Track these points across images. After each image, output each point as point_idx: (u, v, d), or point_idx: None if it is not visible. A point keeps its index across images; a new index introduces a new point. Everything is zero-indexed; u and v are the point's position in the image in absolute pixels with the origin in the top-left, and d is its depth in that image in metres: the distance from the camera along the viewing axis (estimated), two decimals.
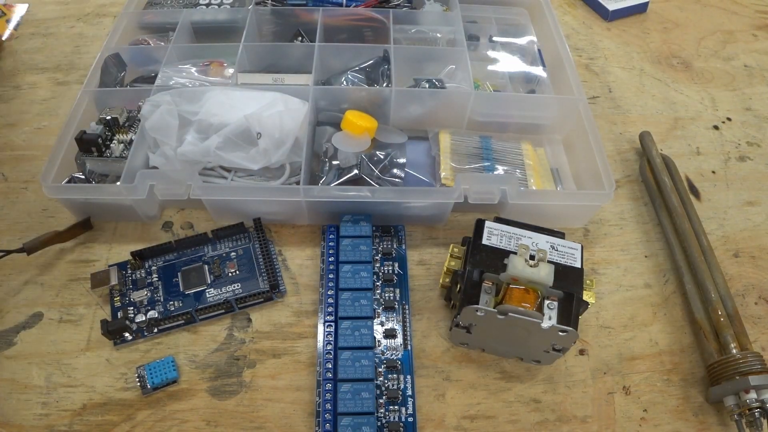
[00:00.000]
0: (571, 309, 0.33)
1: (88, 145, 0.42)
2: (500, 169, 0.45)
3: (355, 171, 0.43)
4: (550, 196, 0.43)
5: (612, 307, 0.41)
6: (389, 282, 0.39)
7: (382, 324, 0.38)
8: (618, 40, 0.62)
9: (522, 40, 0.55)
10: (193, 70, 0.48)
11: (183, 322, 0.38)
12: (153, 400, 0.35)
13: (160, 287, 0.39)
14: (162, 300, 0.38)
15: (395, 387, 0.35)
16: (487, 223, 0.36)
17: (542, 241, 0.35)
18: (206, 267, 0.40)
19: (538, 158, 0.46)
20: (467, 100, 0.46)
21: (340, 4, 0.52)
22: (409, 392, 0.35)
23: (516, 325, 0.33)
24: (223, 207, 0.42)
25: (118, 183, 0.40)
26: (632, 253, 0.44)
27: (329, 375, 0.34)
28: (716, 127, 0.54)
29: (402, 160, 0.45)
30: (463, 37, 0.50)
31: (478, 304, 0.33)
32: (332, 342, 0.35)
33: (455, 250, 0.38)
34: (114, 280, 0.38)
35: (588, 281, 0.35)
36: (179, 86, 0.46)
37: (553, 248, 0.35)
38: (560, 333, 0.32)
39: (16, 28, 0.58)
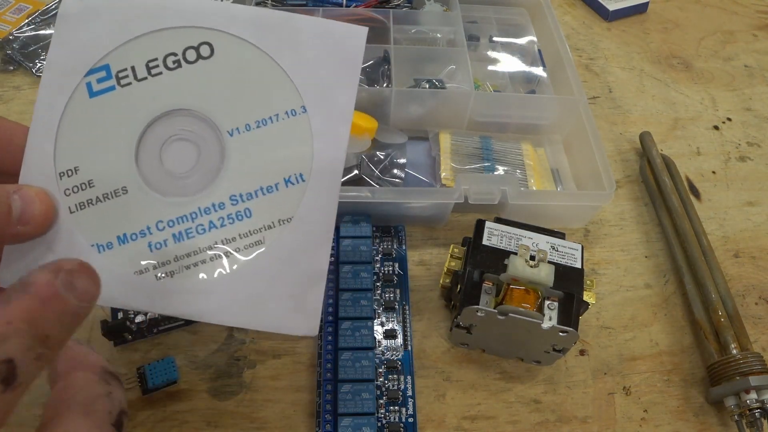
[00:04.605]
0: (572, 309, 0.33)
1: None
2: (500, 170, 0.45)
3: (356, 171, 0.43)
4: (550, 197, 0.43)
5: (612, 308, 0.41)
6: (389, 282, 0.39)
7: (382, 324, 0.38)
8: (618, 40, 0.62)
9: (522, 40, 0.55)
10: None
11: (183, 322, 0.37)
12: (153, 400, 0.35)
13: None
14: None
15: (395, 387, 0.35)
16: (488, 224, 0.36)
17: (542, 241, 0.35)
18: None
19: (538, 158, 0.46)
20: (467, 100, 0.46)
21: (340, 4, 0.52)
22: (410, 393, 0.35)
23: (516, 326, 0.33)
24: None
25: None
26: (632, 253, 0.44)
27: (329, 375, 0.34)
28: (716, 128, 0.54)
29: (402, 161, 0.45)
30: (463, 37, 0.50)
31: (478, 304, 0.33)
32: (332, 342, 0.35)
33: (455, 250, 0.38)
34: None
35: (588, 282, 0.35)
36: None
37: (553, 249, 0.35)
38: (561, 333, 0.32)
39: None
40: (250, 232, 0.25)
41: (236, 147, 0.26)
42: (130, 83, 0.25)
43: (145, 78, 0.25)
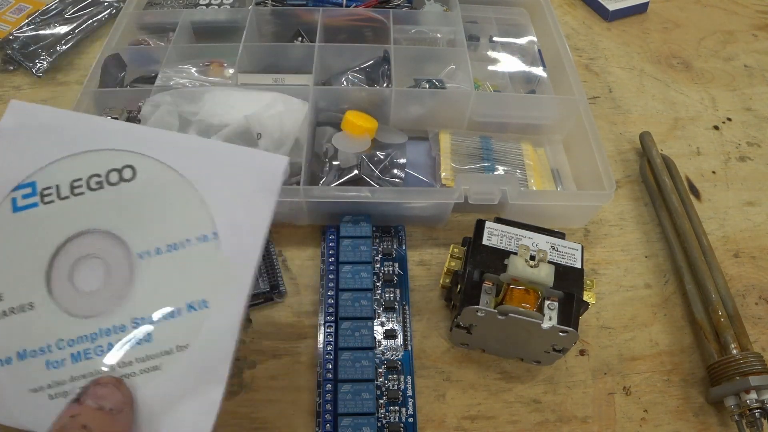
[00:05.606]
0: (572, 309, 0.33)
1: None
2: (500, 170, 0.45)
3: (355, 171, 0.43)
4: (550, 197, 0.43)
5: (612, 308, 0.41)
6: (389, 282, 0.39)
7: (382, 324, 0.38)
8: (618, 40, 0.62)
9: (522, 40, 0.55)
10: (193, 70, 0.48)
11: None
12: None
13: None
14: None
15: (395, 387, 0.35)
16: (488, 224, 0.36)
17: (542, 241, 0.35)
18: None
19: (539, 158, 0.46)
20: (467, 100, 0.46)
21: (340, 4, 0.52)
22: (410, 393, 0.35)
23: (516, 326, 0.33)
24: None
25: None
26: (632, 253, 0.44)
27: (329, 375, 0.34)
28: (716, 128, 0.54)
29: (402, 161, 0.45)
30: (463, 37, 0.50)
31: (478, 304, 0.33)
32: (332, 342, 0.35)
33: (455, 250, 0.38)
34: None
35: (588, 282, 0.35)
36: (179, 86, 0.46)
37: (553, 249, 0.35)
38: (560, 333, 0.32)
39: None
40: (147, 356, 0.25)
41: (145, 270, 0.26)
42: (52, 201, 0.26)
43: (68, 197, 0.26)
